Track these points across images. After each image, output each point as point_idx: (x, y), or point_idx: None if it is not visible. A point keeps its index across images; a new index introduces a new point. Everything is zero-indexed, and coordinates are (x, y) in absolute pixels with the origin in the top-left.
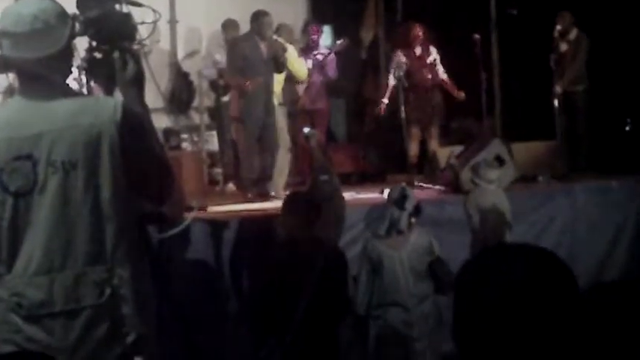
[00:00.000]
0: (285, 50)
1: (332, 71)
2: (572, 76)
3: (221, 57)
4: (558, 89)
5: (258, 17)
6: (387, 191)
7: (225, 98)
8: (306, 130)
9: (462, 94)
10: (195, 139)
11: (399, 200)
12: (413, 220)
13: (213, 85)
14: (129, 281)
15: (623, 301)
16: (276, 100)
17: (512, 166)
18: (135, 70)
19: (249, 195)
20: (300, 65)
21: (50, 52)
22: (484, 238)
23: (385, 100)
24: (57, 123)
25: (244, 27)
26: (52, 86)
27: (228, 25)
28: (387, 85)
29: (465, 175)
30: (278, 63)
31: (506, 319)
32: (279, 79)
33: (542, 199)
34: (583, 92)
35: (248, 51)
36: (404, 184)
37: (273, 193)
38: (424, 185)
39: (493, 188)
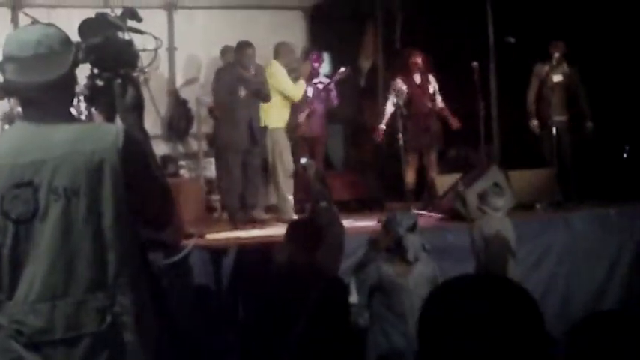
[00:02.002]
0: (264, 83)
1: (333, 99)
2: (564, 105)
3: None
4: (556, 118)
5: (241, 48)
6: (383, 219)
7: None
8: (303, 160)
9: (458, 124)
10: (193, 166)
11: (412, 227)
12: (427, 247)
13: (211, 111)
14: (130, 308)
15: (620, 330)
16: (277, 124)
17: (510, 194)
18: (135, 96)
19: (236, 223)
20: (291, 87)
21: (53, 77)
22: (488, 266)
23: (383, 127)
24: (59, 150)
25: None
26: (54, 112)
27: (227, 52)
28: (385, 111)
29: (472, 202)
30: (260, 94)
31: (470, 352)
32: (277, 103)
33: (539, 228)
34: (572, 121)
35: (230, 82)
36: (414, 211)
37: (259, 217)
38: (423, 213)
39: (499, 216)
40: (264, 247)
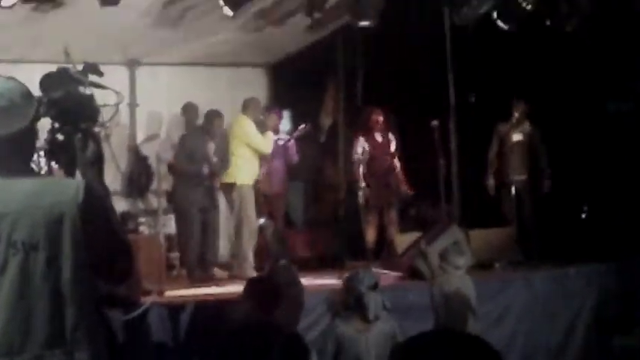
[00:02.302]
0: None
1: (293, 156)
2: (524, 163)
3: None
4: (516, 177)
5: (210, 118)
6: (345, 276)
7: None
8: (261, 220)
9: (409, 190)
10: (153, 222)
11: (373, 286)
12: (387, 305)
13: (171, 168)
14: None
15: None
16: (245, 180)
17: (469, 252)
18: (95, 151)
19: (195, 280)
20: (260, 140)
21: (14, 130)
22: (448, 323)
23: (362, 185)
24: (18, 203)
25: (205, 109)
26: (14, 166)
27: (188, 109)
28: (357, 172)
29: (433, 259)
30: (223, 161)
31: None
32: (246, 158)
33: (498, 287)
34: (532, 180)
35: (194, 147)
36: (376, 270)
37: (218, 275)
38: (382, 271)
39: (460, 274)
40: (222, 304)
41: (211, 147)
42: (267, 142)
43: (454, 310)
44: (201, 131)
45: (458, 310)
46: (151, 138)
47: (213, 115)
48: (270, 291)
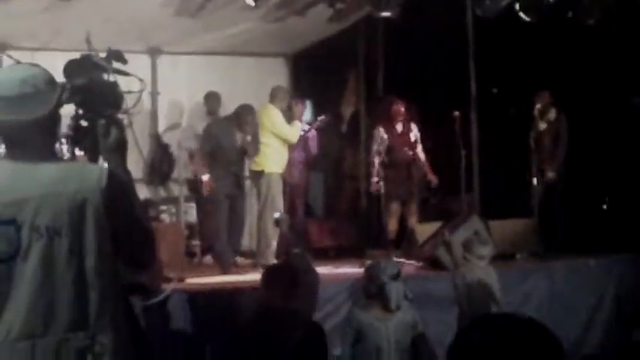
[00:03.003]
0: (256, 143)
1: (313, 147)
2: (550, 154)
3: (202, 129)
4: (544, 166)
5: (241, 114)
6: (367, 265)
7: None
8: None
9: (436, 180)
10: (174, 210)
11: (396, 275)
12: (409, 295)
13: (192, 157)
14: (111, 349)
15: None
16: (274, 168)
17: (490, 243)
18: (118, 137)
19: (225, 268)
20: (288, 129)
21: (38, 115)
22: (471, 314)
23: (375, 179)
24: (42, 188)
25: (226, 99)
26: (38, 151)
27: (210, 98)
28: (373, 163)
29: (456, 249)
30: (247, 154)
31: None
32: (275, 147)
33: (519, 277)
34: (560, 171)
35: (222, 138)
36: (397, 259)
37: (241, 263)
38: (402, 261)
39: (483, 264)
40: (241, 292)
41: (239, 136)
42: (294, 132)
43: (477, 300)
44: (227, 121)
45: (481, 301)
46: (172, 126)
47: (245, 112)
48: (287, 279)
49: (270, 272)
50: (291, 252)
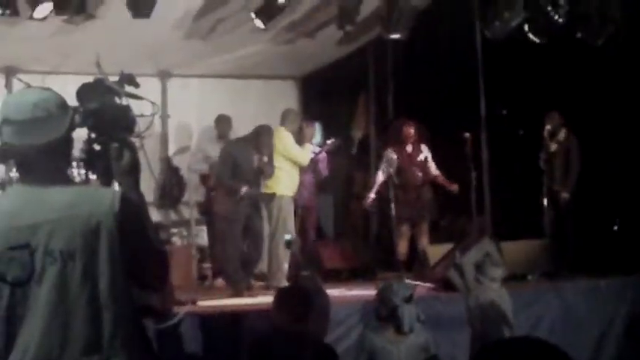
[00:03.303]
0: (270, 168)
1: (323, 170)
2: (561, 175)
3: (213, 151)
4: (556, 187)
5: (260, 134)
6: (379, 287)
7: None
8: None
9: (455, 187)
10: (185, 233)
11: (408, 298)
12: (422, 317)
13: (204, 179)
14: None
15: None
16: (285, 191)
17: (502, 265)
18: (131, 160)
19: (240, 291)
20: (299, 152)
21: (51, 139)
22: (484, 336)
23: (372, 195)
24: (55, 212)
25: (236, 122)
26: (51, 175)
27: (221, 121)
28: (376, 180)
29: (468, 272)
30: (264, 174)
31: None
32: (286, 170)
33: (531, 298)
34: (571, 192)
35: (240, 159)
36: (409, 281)
37: (254, 285)
38: (414, 283)
39: (496, 286)
40: (255, 314)
41: (256, 158)
42: (305, 154)
43: (490, 322)
44: (245, 142)
45: (494, 323)
46: (181, 149)
47: (264, 132)
48: (299, 301)
49: (281, 295)
50: (301, 274)
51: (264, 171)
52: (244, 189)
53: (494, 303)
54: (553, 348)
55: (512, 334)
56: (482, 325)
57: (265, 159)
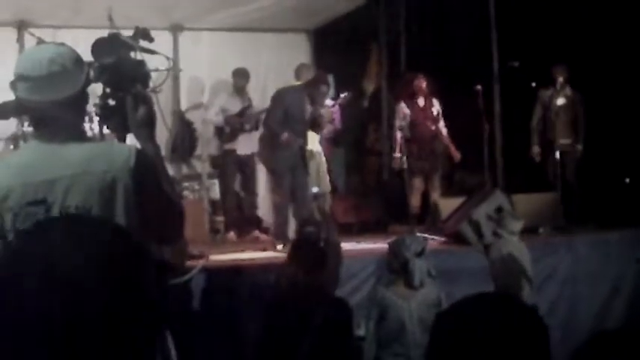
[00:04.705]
0: (323, 117)
1: (336, 123)
2: (567, 129)
3: (228, 104)
4: (561, 141)
5: (317, 82)
6: (391, 241)
7: (229, 146)
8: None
9: (458, 156)
10: (197, 187)
11: (420, 252)
12: (433, 272)
13: (219, 132)
14: None
15: (624, 350)
16: (319, 147)
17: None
18: (147, 111)
19: (279, 246)
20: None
21: (66, 95)
22: (506, 290)
23: (397, 154)
24: (71, 168)
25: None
26: (66, 131)
27: (239, 74)
28: (396, 138)
29: (484, 225)
30: (316, 126)
31: None
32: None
33: (544, 251)
34: (577, 145)
35: (293, 106)
36: (420, 235)
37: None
38: (426, 236)
39: (515, 240)
40: (268, 268)
41: (309, 109)
42: (327, 109)
43: (512, 276)
44: (299, 90)
45: (515, 277)
46: (193, 103)
47: (321, 80)
48: (313, 253)
49: (295, 248)
50: (303, 229)
51: (319, 122)
52: (291, 138)
53: (515, 257)
54: (524, 305)
55: (531, 288)
56: (504, 279)
57: (322, 110)
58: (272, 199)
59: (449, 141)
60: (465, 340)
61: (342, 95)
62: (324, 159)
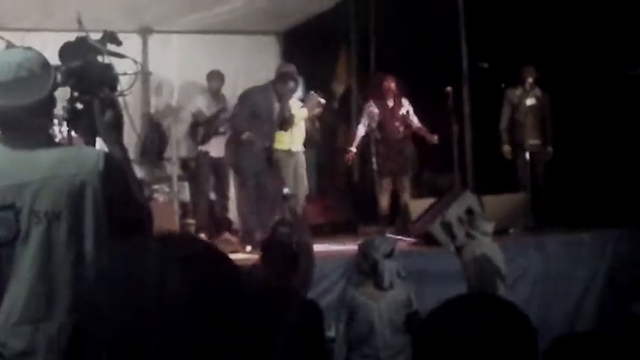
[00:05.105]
0: (293, 115)
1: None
2: (536, 130)
3: (202, 106)
4: (530, 142)
5: (285, 79)
6: (361, 242)
7: (203, 148)
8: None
9: (435, 138)
10: (167, 189)
11: (389, 253)
12: (402, 273)
13: (193, 134)
14: None
15: (594, 352)
16: (299, 147)
17: (482, 217)
18: (114, 115)
19: (248, 248)
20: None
21: (34, 99)
22: (481, 289)
23: (353, 149)
24: (40, 173)
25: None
26: (34, 135)
27: (213, 77)
28: (355, 134)
29: (457, 227)
30: (285, 124)
31: None
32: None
33: (514, 252)
34: (548, 147)
35: (259, 105)
36: (390, 236)
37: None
38: (396, 237)
39: (488, 241)
40: (242, 270)
41: (277, 106)
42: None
43: (486, 277)
44: (266, 89)
45: (489, 277)
46: (163, 106)
47: (289, 77)
48: (289, 255)
49: (266, 250)
50: (277, 231)
51: (287, 121)
52: (252, 137)
53: (488, 257)
54: (512, 306)
55: (506, 288)
56: (478, 280)
57: (289, 108)
58: (237, 202)
59: (424, 130)
60: (453, 345)
61: (311, 93)
62: (303, 158)
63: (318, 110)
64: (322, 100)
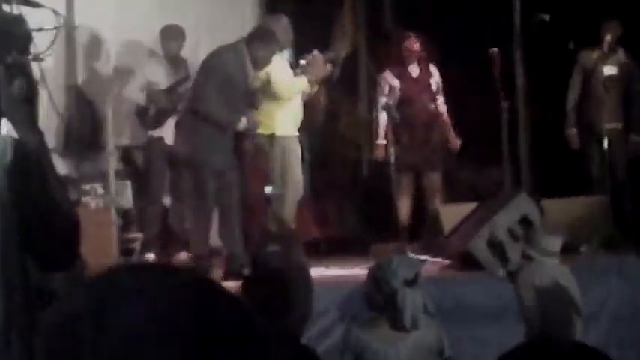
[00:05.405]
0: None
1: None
2: (616, 109)
3: (151, 75)
4: (607, 126)
5: (264, 37)
6: (372, 266)
7: (156, 133)
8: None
9: (457, 144)
10: (102, 191)
11: (412, 280)
12: (430, 307)
13: (141, 114)
14: None
15: None
16: (290, 130)
17: (560, 233)
18: (25, 86)
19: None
20: (282, 83)
21: None
22: (544, 329)
23: (382, 141)
24: None
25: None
26: None
27: (169, 34)
28: (378, 120)
29: (509, 245)
30: (256, 99)
31: None
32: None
33: (588, 278)
34: (632, 133)
35: (228, 74)
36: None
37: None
38: (421, 258)
39: (554, 262)
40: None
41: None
42: (286, 85)
43: (553, 311)
44: (240, 51)
45: (558, 312)
46: (96, 75)
47: (264, 35)
48: (276, 288)
49: (250, 283)
50: (263, 250)
51: (255, 96)
52: (241, 122)
53: (558, 285)
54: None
55: (583, 325)
56: (542, 316)
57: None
58: (189, 207)
59: (448, 124)
60: None
61: (302, 62)
62: (294, 145)
63: (322, 77)
64: (330, 64)
